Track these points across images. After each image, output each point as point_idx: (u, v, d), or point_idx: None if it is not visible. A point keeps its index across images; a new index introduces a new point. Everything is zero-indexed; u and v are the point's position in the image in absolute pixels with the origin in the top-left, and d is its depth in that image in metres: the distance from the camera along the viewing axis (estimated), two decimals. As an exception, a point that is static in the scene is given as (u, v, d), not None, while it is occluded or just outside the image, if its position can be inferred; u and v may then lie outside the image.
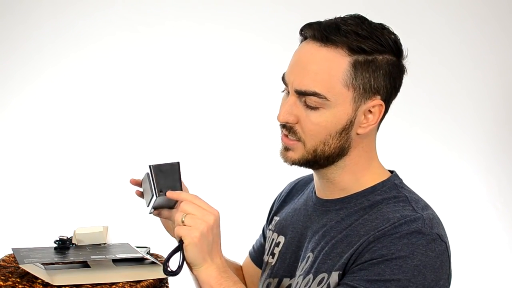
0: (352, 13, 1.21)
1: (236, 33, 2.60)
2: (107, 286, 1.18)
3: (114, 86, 2.65)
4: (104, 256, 1.23)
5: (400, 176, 1.28)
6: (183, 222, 1.15)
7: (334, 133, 1.19)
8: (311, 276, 1.21)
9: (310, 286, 1.20)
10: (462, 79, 2.53)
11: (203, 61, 2.62)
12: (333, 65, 1.16)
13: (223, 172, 2.63)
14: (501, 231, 2.53)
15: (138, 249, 1.31)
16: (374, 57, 1.17)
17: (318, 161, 1.21)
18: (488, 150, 2.53)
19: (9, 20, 2.65)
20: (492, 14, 2.50)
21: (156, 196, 1.21)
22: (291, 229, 1.33)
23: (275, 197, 1.48)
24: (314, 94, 1.17)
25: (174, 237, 1.19)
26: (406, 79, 1.24)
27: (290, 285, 1.28)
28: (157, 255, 1.38)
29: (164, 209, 1.30)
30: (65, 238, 1.30)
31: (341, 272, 1.17)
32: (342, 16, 1.20)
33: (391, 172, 1.28)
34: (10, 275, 1.17)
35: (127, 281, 1.20)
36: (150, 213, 1.30)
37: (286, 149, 1.23)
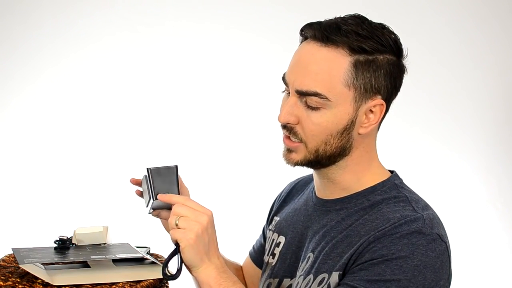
0: (352, 13, 1.21)
1: (236, 33, 2.60)
2: (107, 286, 1.18)
3: (114, 86, 2.65)
4: (104, 256, 1.23)
5: (400, 176, 1.28)
6: (177, 225, 1.15)
7: (335, 133, 1.19)
8: (311, 276, 1.21)
9: (310, 286, 1.20)
10: (462, 79, 2.53)
11: (203, 61, 2.62)
12: (334, 65, 1.16)
13: (223, 172, 2.63)
14: (501, 231, 2.53)
15: (138, 249, 1.31)
16: (375, 56, 1.17)
17: (320, 161, 1.21)
18: (488, 150, 2.53)
19: (9, 20, 2.65)
20: (492, 14, 2.50)
21: (153, 199, 1.21)
22: (291, 229, 1.33)
23: (275, 197, 1.47)
24: (315, 94, 1.17)
25: (171, 240, 1.19)
26: (406, 79, 1.24)
27: (290, 285, 1.28)
28: (157, 255, 1.38)
29: (163, 210, 1.30)
30: (65, 238, 1.30)
31: (341, 272, 1.17)
32: (342, 16, 1.20)
33: (391, 172, 1.28)
34: (10, 275, 1.17)
35: (127, 281, 1.20)
36: (149, 213, 1.30)
37: (289, 151, 1.23)
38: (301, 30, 1.22)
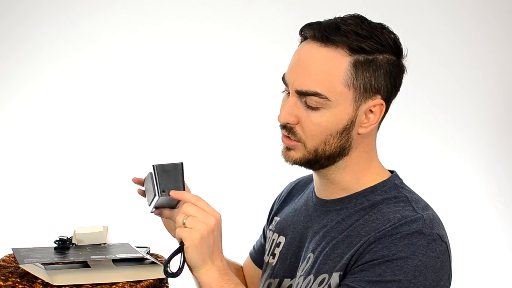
0: (352, 13, 1.21)
1: (236, 33, 2.60)
2: (107, 286, 1.18)
3: (114, 86, 2.65)
4: (104, 256, 1.23)
5: (400, 176, 1.28)
6: (184, 224, 1.15)
7: (335, 133, 1.19)
8: (311, 276, 1.21)
9: (311, 287, 1.20)
10: (462, 79, 2.53)
11: (203, 61, 2.62)
12: (334, 65, 1.16)
13: (223, 172, 2.63)
14: (501, 231, 2.53)
15: (138, 249, 1.31)
16: (375, 56, 1.17)
17: (319, 160, 1.21)
18: (488, 150, 2.53)
19: (9, 20, 2.65)
20: (492, 14, 2.50)
21: (159, 196, 1.21)
22: (291, 229, 1.33)
23: (275, 198, 1.47)
24: (315, 94, 1.17)
25: (175, 237, 1.19)
26: (406, 79, 1.24)
27: (290, 285, 1.28)
28: (157, 255, 1.38)
29: (165, 208, 1.30)
30: (65, 238, 1.30)
31: (341, 273, 1.17)
32: (341, 16, 1.20)
33: (391, 172, 1.28)
34: (10, 275, 1.17)
35: (127, 281, 1.20)
36: (151, 212, 1.30)
37: (287, 148, 1.23)
38: (301, 30, 1.22)
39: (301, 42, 1.23)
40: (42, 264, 1.20)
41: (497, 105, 2.52)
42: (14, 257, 1.25)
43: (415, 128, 2.56)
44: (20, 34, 2.65)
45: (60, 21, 2.64)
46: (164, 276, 1.19)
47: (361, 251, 1.16)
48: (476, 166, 2.54)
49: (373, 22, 1.20)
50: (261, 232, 1.50)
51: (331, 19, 1.20)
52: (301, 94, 1.18)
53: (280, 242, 1.35)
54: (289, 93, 1.21)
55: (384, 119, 1.24)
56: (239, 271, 1.51)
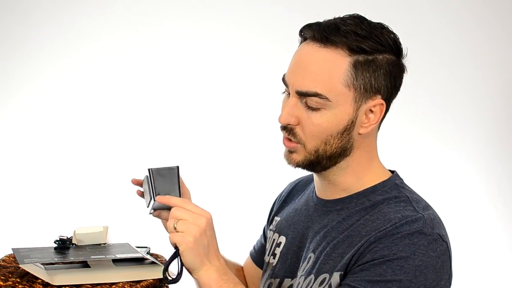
0: (352, 13, 1.21)
1: (236, 33, 2.60)
2: (107, 286, 1.18)
3: (114, 86, 2.65)
4: (104, 256, 1.23)
5: (401, 176, 1.28)
6: (175, 228, 1.15)
7: (336, 133, 1.19)
8: (312, 276, 1.21)
9: (311, 287, 1.20)
10: (462, 79, 2.53)
11: (203, 61, 2.62)
12: (334, 66, 1.16)
13: (223, 173, 2.63)
14: (501, 231, 2.53)
15: (138, 249, 1.31)
16: (374, 56, 1.17)
17: (321, 161, 1.21)
18: (488, 150, 2.53)
19: (9, 20, 2.65)
20: (492, 14, 2.50)
21: (154, 200, 1.21)
22: (292, 229, 1.33)
23: (276, 198, 1.47)
24: (316, 94, 1.17)
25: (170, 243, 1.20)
26: (406, 78, 1.24)
27: (291, 285, 1.28)
28: (157, 255, 1.38)
29: (164, 210, 1.30)
30: (65, 238, 1.30)
31: (342, 272, 1.17)
32: (341, 16, 1.20)
33: (392, 172, 1.28)
34: (10, 275, 1.17)
35: (127, 281, 1.20)
36: (150, 213, 1.30)
37: (289, 152, 1.23)
38: (300, 31, 1.22)
39: (301, 42, 1.23)
40: (42, 264, 1.20)
41: (497, 105, 2.52)
42: (14, 257, 1.25)
43: (415, 128, 2.56)
44: (20, 34, 2.65)
45: (60, 21, 2.64)
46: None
47: (361, 250, 1.16)
48: (476, 166, 2.54)
49: (373, 22, 1.20)
50: (261, 232, 1.50)
51: (330, 20, 1.20)
52: (302, 95, 1.18)
53: (280, 242, 1.35)
54: (289, 94, 1.21)
55: (385, 119, 1.24)
56: (239, 271, 1.51)
